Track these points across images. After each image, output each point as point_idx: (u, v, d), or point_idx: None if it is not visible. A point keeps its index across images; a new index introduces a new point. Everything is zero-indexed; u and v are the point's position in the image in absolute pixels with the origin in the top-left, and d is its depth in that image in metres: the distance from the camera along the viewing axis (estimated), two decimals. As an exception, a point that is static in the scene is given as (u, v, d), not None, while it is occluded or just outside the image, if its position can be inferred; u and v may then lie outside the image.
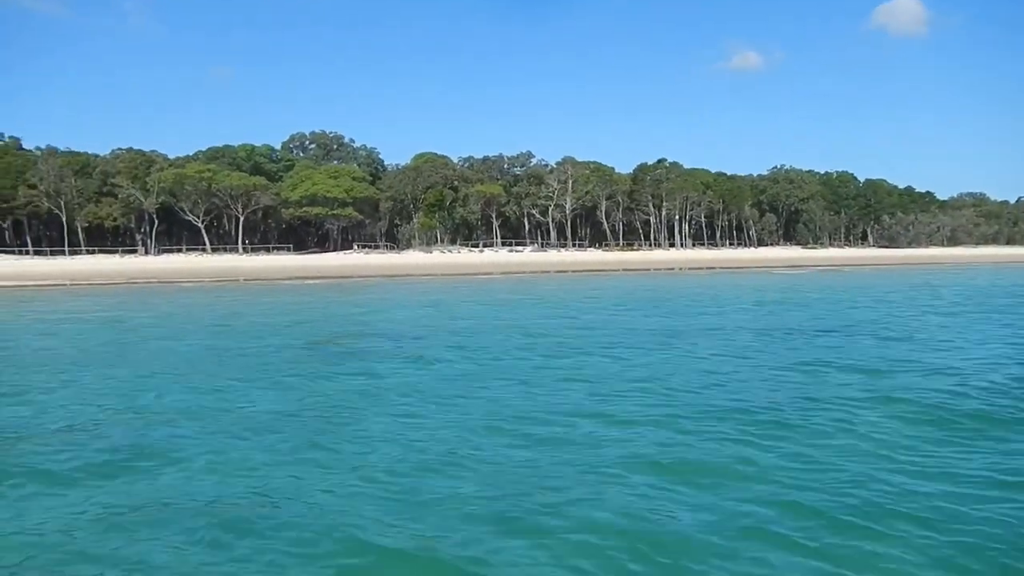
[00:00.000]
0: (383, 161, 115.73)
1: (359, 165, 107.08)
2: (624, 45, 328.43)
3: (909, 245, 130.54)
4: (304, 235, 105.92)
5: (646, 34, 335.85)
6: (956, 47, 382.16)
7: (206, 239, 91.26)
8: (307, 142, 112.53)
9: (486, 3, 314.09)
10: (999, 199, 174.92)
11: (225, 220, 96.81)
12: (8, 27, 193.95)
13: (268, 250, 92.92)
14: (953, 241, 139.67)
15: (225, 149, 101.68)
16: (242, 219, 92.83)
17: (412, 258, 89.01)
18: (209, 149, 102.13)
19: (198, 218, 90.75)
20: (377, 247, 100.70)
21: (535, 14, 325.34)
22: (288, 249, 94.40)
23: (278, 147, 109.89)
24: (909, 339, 17.45)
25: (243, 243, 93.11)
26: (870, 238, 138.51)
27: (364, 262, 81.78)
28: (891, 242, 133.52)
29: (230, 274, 62.75)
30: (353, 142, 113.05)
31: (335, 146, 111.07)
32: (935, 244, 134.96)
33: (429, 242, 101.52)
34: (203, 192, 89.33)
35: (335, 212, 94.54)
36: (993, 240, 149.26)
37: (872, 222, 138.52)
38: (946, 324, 21.19)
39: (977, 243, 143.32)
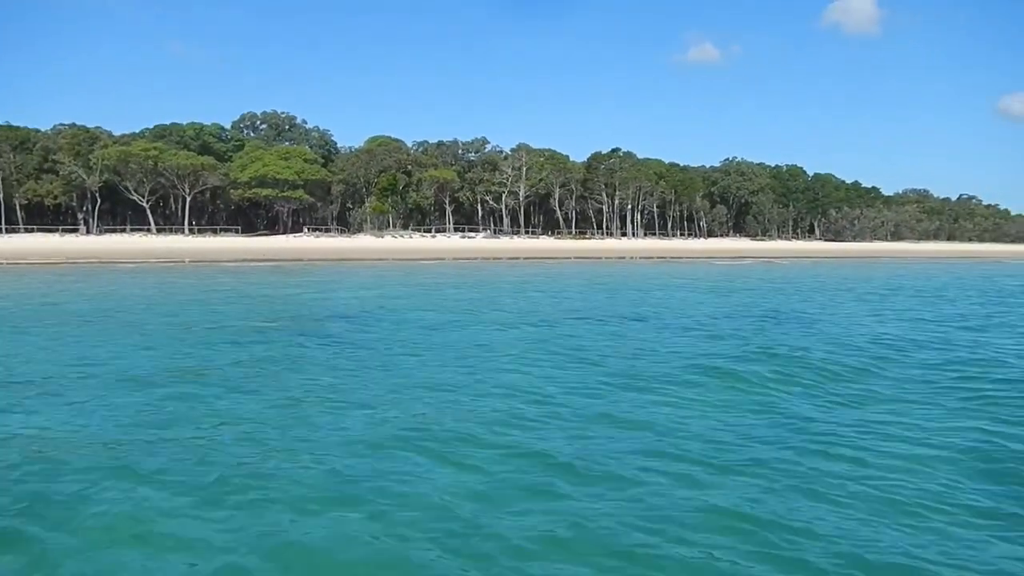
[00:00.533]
0: (336, 143, 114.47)
1: (311, 147, 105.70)
2: (584, 35, 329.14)
3: (854, 239, 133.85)
4: (253, 217, 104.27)
5: (606, 25, 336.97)
6: (907, 46, 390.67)
7: (151, 219, 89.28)
8: (258, 122, 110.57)
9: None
10: (941, 196, 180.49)
11: (171, 200, 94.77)
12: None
13: (215, 232, 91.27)
14: (896, 236, 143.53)
15: (173, 127, 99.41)
16: (189, 200, 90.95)
17: (363, 242, 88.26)
18: (156, 127, 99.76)
19: (143, 197, 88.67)
20: (328, 230, 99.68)
21: (494, 2, 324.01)
22: (236, 231, 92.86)
23: (228, 127, 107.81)
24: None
25: (190, 224, 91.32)
26: (817, 231, 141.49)
27: (314, 245, 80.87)
28: (837, 236, 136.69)
29: (175, 255, 61.45)
30: (305, 123, 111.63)
31: (287, 127, 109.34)
32: (879, 238, 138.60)
33: (381, 227, 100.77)
34: (149, 171, 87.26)
35: (285, 194, 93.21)
36: (935, 235, 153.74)
37: (819, 215, 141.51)
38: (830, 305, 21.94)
39: (919, 238, 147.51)
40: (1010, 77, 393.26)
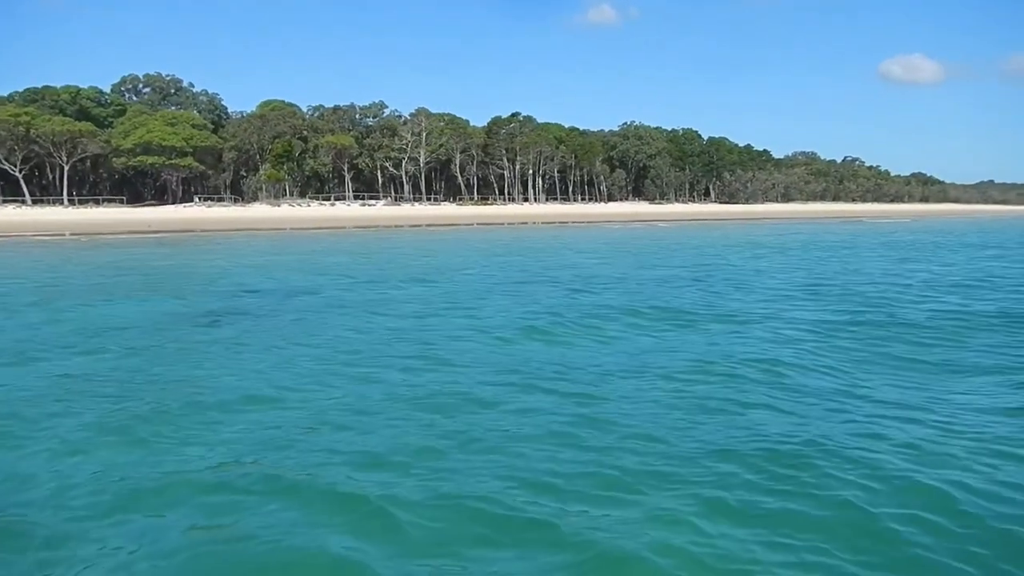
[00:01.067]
0: (227, 108, 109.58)
1: (200, 112, 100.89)
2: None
3: (747, 201, 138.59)
4: (140, 187, 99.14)
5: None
6: (794, 12, 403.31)
7: (25, 190, 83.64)
8: (141, 85, 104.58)
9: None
10: (828, 158, 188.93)
11: (48, 170, 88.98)
12: None
13: (98, 202, 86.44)
14: (786, 198, 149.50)
15: (46, 90, 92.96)
16: (67, 168, 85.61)
17: (258, 211, 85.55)
18: (27, 90, 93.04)
19: (15, 167, 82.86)
20: (222, 200, 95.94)
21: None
22: (121, 202, 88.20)
23: (108, 90, 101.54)
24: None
25: (69, 195, 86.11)
26: (712, 194, 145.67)
27: (205, 215, 77.78)
28: (731, 198, 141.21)
29: (53, 228, 57.98)
30: (193, 87, 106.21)
31: (172, 91, 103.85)
32: (771, 200, 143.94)
33: (277, 195, 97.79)
34: (20, 138, 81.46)
35: (173, 162, 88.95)
36: (821, 197, 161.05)
37: (714, 179, 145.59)
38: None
39: (808, 200, 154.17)
40: (890, 42, 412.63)
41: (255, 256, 33.63)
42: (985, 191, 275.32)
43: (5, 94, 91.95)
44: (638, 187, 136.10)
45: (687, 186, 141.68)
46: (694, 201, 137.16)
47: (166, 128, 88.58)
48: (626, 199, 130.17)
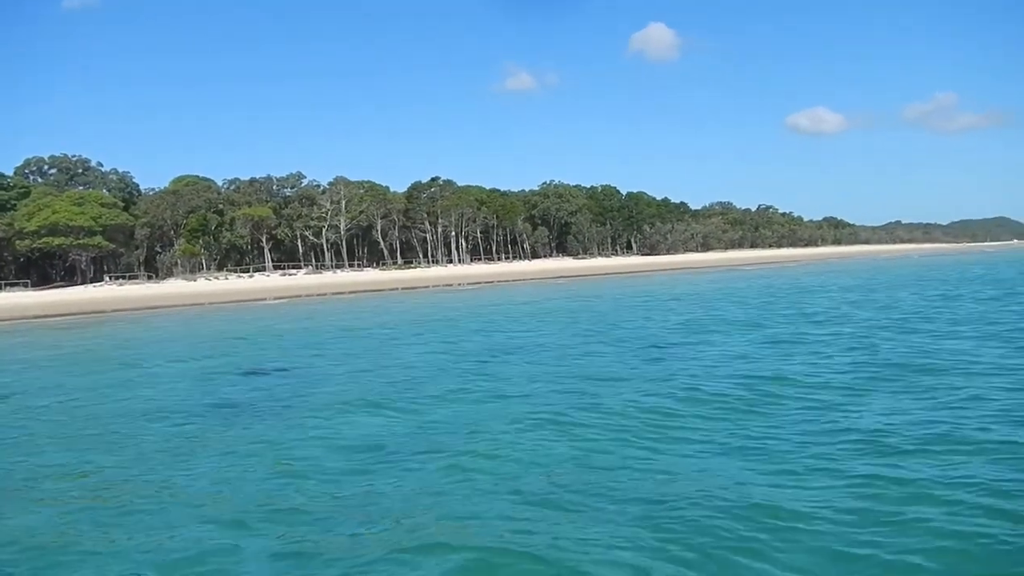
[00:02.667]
0: (138, 185, 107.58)
1: (109, 191, 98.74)
2: (401, 67, 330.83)
3: (668, 252, 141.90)
4: (48, 268, 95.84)
5: (424, 57, 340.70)
6: (704, 71, 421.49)
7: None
8: (46, 167, 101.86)
9: (248, 23, 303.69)
10: (743, 207, 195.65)
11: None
12: None
13: (1, 286, 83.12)
14: (705, 247, 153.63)
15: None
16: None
17: (173, 287, 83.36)
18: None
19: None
20: (136, 277, 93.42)
21: (298, 34, 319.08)
22: (26, 285, 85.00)
23: (10, 173, 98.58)
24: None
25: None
26: (634, 246, 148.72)
27: (116, 295, 75.41)
28: (652, 249, 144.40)
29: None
30: (101, 166, 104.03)
31: (80, 170, 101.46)
32: (691, 250, 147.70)
33: (193, 269, 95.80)
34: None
35: (82, 242, 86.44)
36: (739, 244, 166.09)
37: (635, 231, 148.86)
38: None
39: (726, 247, 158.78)
40: (796, 96, 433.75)
41: (156, 337, 32.66)
42: (893, 231, 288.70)
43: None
44: (561, 243, 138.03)
45: (609, 240, 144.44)
46: (616, 254, 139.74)
47: (73, 208, 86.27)
48: (550, 255, 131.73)
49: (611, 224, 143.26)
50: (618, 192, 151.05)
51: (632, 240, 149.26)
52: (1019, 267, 56.78)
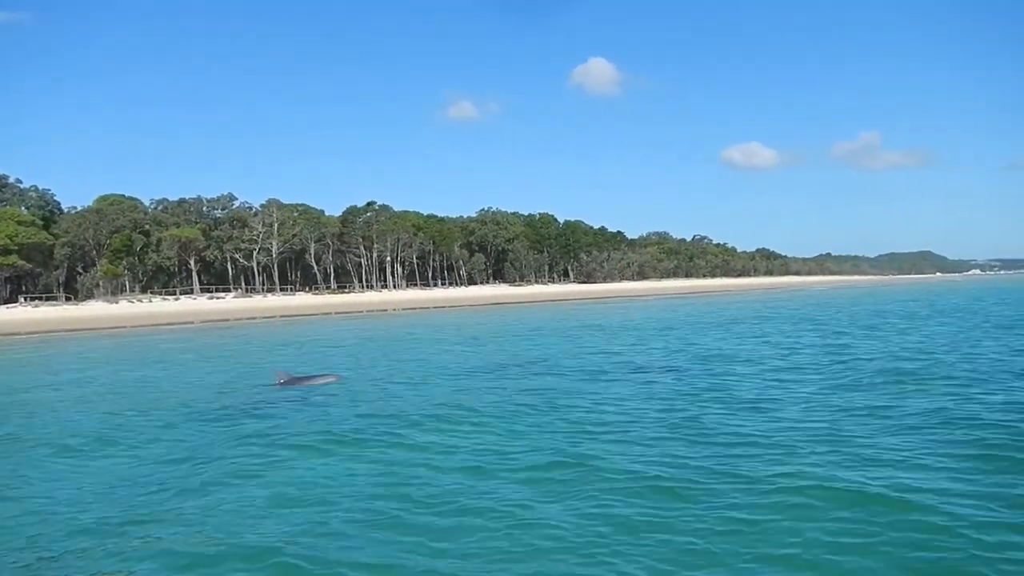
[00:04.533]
0: (59, 204, 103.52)
1: (28, 208, 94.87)
2: (344, 95, 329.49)
3: (604, 280, 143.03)
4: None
5: (368, 83, 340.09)
6: (643, 105, 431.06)
7: None
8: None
9: (181, 44, 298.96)
10: (679, 237, 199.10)
11: None
12: None
13: (-96, 307, 78.72)
14: (641, 275, 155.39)
15: None
16: None
17: (93, 310, 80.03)
18: None
19: None
20: (53, 298, 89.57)
21: (233, 57, 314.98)
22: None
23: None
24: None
25: None
26: (571, 274, 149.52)
27: (27, 317, 72.11)
28: (589, 277, 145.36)
29: None
30: (20, 183, 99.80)
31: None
32: (627, 278, 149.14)
33: (115, 291, 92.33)
34: None
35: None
36: (674, 274, 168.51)
37: (572, 259, 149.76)
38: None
39: (662, 277, 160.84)
40: (730, 131, 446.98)
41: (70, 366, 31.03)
42: (823, 263, 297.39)
43: None
44: (498, 270, 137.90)
45: (546, 267, 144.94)
46: (553, 282, 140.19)
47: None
48: (487, 282, 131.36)
49: (548, 252, 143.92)
50: (555, 220, 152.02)
51: (569, 268, 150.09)
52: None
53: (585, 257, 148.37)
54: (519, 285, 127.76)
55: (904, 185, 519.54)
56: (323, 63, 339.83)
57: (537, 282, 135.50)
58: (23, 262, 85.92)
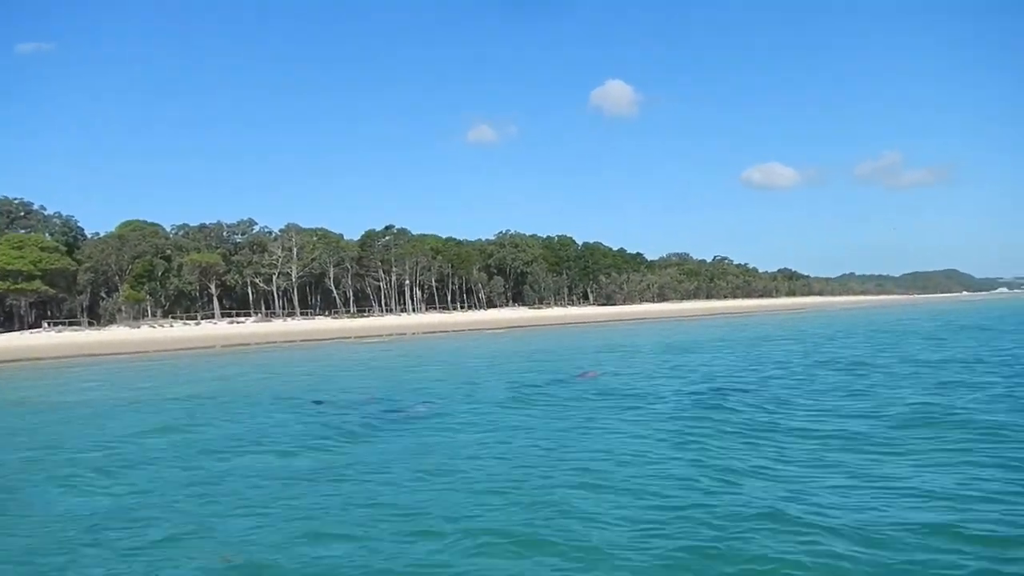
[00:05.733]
0: (83, 230, 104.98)
1: (52, 235, 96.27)
2: (363, 117, 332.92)
3: (624, 302, 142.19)
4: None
5: (387, 108, 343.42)
6: (662, 126, 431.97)
7: None
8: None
9: (202, 68, 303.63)
10: (699, 258, 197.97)
11: None
12: None
13: (-69, 332, 79.87)
14: (661, 297, 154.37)
15: None
16: None
17: (115, 335, 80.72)
18: None
19: None
20: (77, 323, 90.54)
21: (251, 81, 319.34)
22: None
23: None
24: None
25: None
26: (590, 296, 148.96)
27: (52, 342, 72.85)
28: (608, 300, 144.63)
29: None
30: (44, 209, 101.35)
31: (21, 214, 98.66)
32: (646, 300, 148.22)
33: (137, 316, 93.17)
34: None
35: (19, 286, 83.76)
36: (694, 295, 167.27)
37: (591, 282, 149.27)
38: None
39: (682, 298, 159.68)
40: (749, 152, 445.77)
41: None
42: (846, 283, 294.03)
43: None
44: (517, 292, 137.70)
45: (565, 290, 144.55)
46: (573, 304, 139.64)
47: (11, 252, 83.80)
48: (506, 305, 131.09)
49: (567, 274, 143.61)
50: (574, 242, 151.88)
51: (588, 290, 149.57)
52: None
53: (604, 279, 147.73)
54: (538, 308, 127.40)
55: (928, 204, 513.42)
56: (341, 86, 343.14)
57: (556, 304, 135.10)
58: (47, 287, 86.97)
